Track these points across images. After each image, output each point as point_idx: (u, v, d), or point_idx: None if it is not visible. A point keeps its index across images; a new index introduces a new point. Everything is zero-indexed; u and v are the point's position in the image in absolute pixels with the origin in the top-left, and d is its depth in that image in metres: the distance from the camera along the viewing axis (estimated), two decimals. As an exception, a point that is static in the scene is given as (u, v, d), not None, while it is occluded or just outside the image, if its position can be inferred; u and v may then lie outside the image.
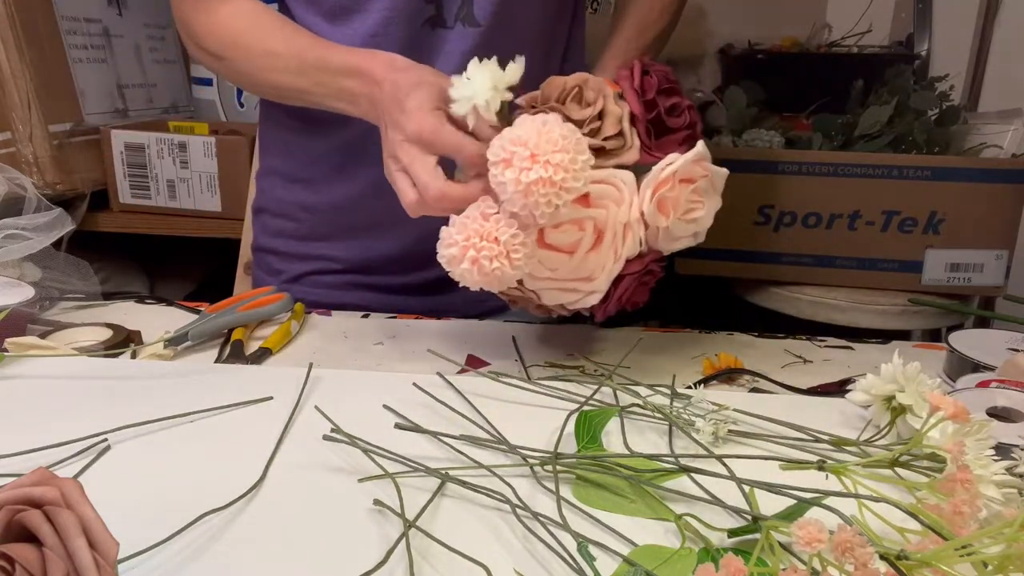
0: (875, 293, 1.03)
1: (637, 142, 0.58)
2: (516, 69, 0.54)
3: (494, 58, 0.54)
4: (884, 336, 0.79)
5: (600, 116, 0.57)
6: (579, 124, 0.55)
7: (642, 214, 0.56)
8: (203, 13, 0.73)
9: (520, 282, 0.58)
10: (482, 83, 0.53)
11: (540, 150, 0.50)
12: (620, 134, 0.57)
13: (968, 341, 0.66)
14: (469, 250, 0.53)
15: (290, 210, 0.84)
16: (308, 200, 0.82)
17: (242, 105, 1.38)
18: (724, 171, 0.60)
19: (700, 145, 0.58)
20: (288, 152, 0.83)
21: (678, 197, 0.57)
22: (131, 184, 1.29)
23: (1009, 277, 1.01)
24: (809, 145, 1.06)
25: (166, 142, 1.26)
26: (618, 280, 0.59)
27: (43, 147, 1.18)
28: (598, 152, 0.56)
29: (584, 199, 0.55)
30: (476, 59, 0.54)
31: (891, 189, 1.00)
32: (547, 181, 0.50)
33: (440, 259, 0.55)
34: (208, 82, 1.40)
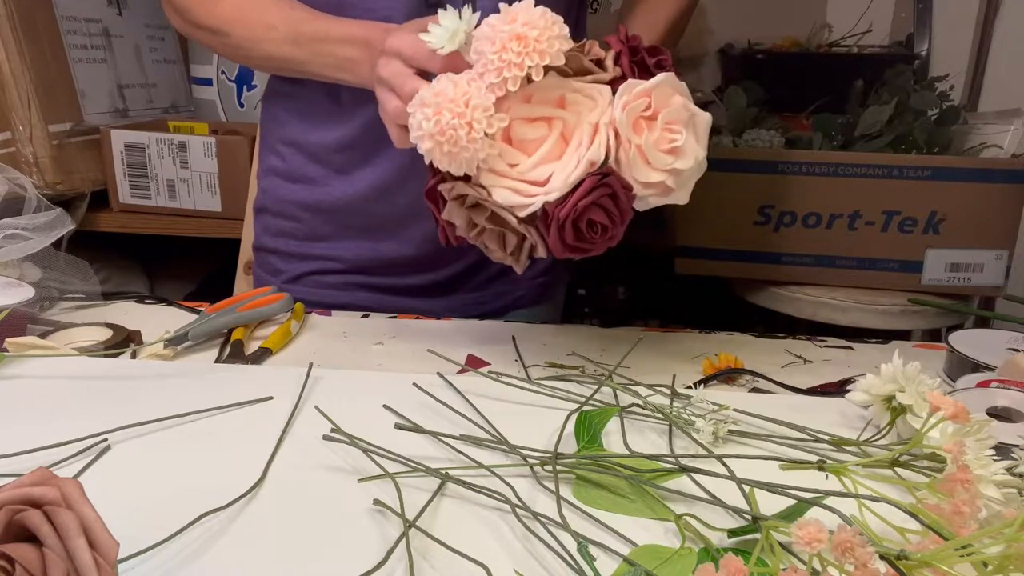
0: (875, 293, 1.03)
1: (618, 71, 0.57)
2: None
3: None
4: (884, 336, 0.79)
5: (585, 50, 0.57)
6: (572, 50, 0.56)
7: (613, 121, 0.54)
8: (213, 4, 0.75)
9: (480, 185, 0.57)
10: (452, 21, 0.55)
11: (520, 21, 0.53)
12: (602, 62, 0.57)
13: (968, 341, 0.66)
14: (441, 110, 0.54)
15: (291, 210, 0.84)
16: (309, 200, 0.82)
17: (242, 105, 1.38)
18: (707, 115, 0.58)
19: (672, 76, 0.56)
20: (289, 152, 0.83)
21: (654, 121, 0.55)
22: (131, 184, 1.29)
23: (1009, 277, 1.01)
24: (809, 145, 1.06)
25: (166, 142, 1.26)
26: (575, 188, 0.55)
27: (43, 147, 1.18)
28: (580, 72, 0.56)
29: (560, 101, 0.55)
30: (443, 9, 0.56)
31: (891, 189, 1.00)
32: (522, 37, 0.52)
33: (408, 109, 0.56)
34: (208, 82, 1.40)
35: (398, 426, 0.53)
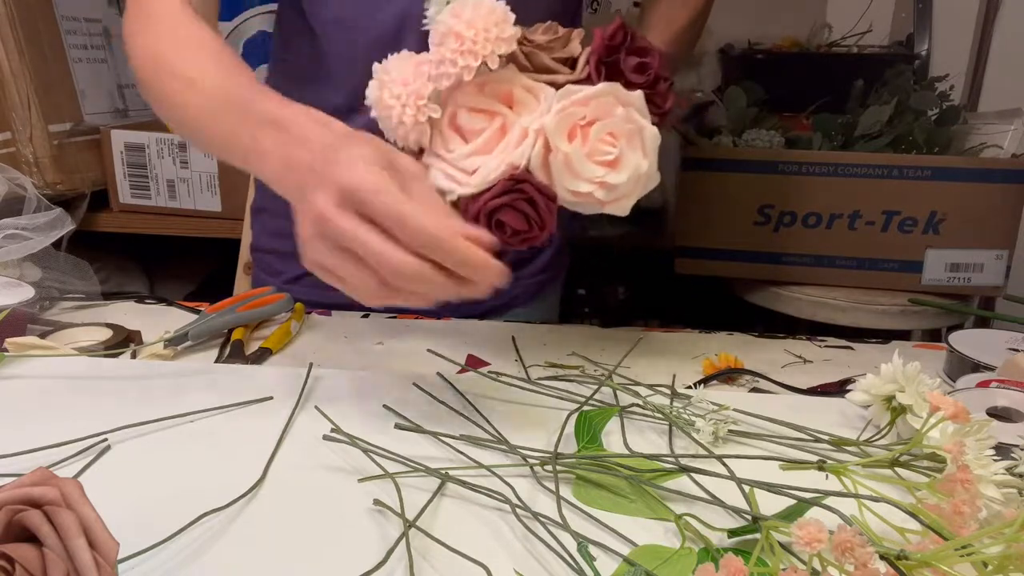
0: (875, 293, 1.03)
1: (584, 73, 0.56)
2: None
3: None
4: (884, 336, 0.79)
5: (561, 44, 0.57)
6: (538, 45, 0.56)
7: (543, 128, 0.53)
8: (139, 34, 0.64)
9: (421, 151, 0.57)
10: None
11: (464, 19, 0.53)
12: (569, 61, 0.56)
13: (968, 341, 0.66)
14: (384, 87, 0.55)
15: (291, 210, 0.84)
16: None
17: (242, 105, 1.38)
18: (655, 131, 0.56)
19: (615, 86, 0.55)
20: None
21: (590, 131, 0.54)
22: (131, 184, 1.29)
23: (1009, 277, 1.01)
24: (809, 145, 1.06)
25: (166, 142, 1.26)
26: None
27: (43, 147, 1.18)
28: (540, 70, 0.56)
29: (508, 95, 0.55)
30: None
31: (891, 189, 1.00)
32: (459, 36, 0.52)
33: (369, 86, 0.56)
34: (208, 82, 1.40)
35: (398, 426, 0.53)
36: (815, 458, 0.51)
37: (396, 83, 0.55)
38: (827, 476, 0.41)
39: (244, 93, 0.56)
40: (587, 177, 0.54)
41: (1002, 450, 0.49)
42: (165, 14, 0.64)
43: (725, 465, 0.48)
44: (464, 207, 0.55)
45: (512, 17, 0.54)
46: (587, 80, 0.55)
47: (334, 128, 0.52)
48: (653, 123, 0.56)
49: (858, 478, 0.40)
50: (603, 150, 0.54)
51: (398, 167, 0.50)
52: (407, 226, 0.45)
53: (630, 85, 0.55)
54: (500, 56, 0.53)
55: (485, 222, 0.54)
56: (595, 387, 0.59)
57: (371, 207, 0.46)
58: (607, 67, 0.56)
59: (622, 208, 0.56)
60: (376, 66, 0.56)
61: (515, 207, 0.54)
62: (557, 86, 0.55)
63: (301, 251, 0.50)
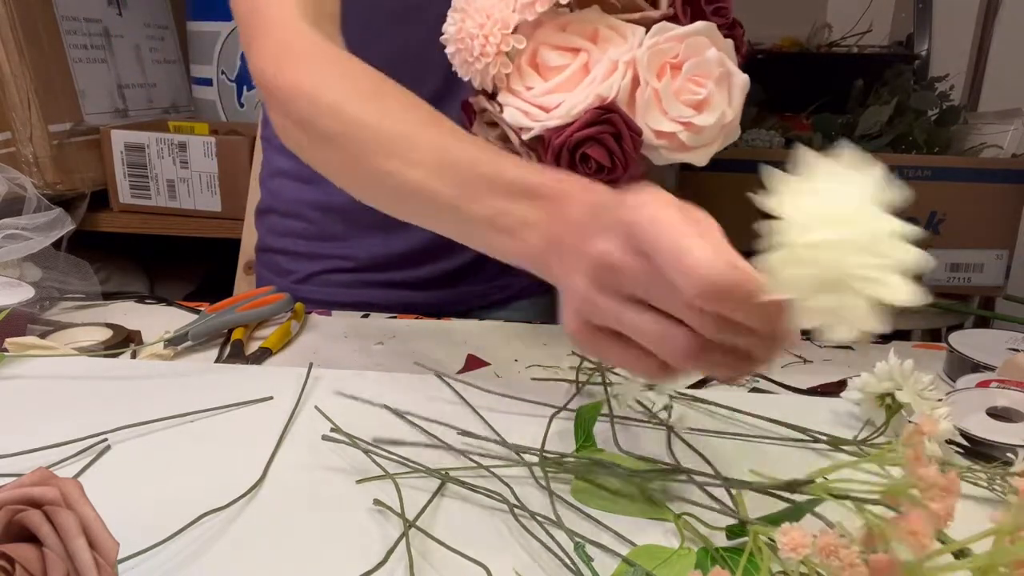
0: (875, 293, 1.03)
1: (669, 11, 0.54)
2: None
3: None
4: (884, 336, 0.79)
5: None
6: None
7: (634, 59, 0.51)
8: (285, 68, 0.53)
9: (494, 97, 0.56)
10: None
11: None
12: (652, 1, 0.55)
13: (968, 341, 0.66)
14: (466, 18, 0.54)
15: (301, 210, 0.84)
16: (320, 200, 0.82)
17: (242, 105, 1.38)
18: (745, 78, 0.54)
19: (711, 27, 0.53)
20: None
21: (679, 69, 0.52)
22: (131, 184, 1.29)
23: (1009, 277, 1.01)
24: (809, 145, 1.06)
25: (166, 142, 1.26)
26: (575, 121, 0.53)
27: (43, 147, 1.18)
28: (629, 8, 0.54)
29: (594, 34, 0.54)
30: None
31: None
32: None
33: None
34: (208, 82, 1.40)
35: (401, 417, 0.53)
36: (815, 458, 0.51)
37: (480, 12, 0.53)
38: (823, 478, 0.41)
39: (478, 154, 0.47)
40: (674, 116, 0.52)
41: (1001, 450, 0.49)
42: (335, 69, 0.53)
43: (713, 467, 0.48)
44: (547, 143, 0.52)
45: None
46: (674, 19, 0.53)
47: (596, 189, 0.42)
48: None
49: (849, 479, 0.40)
50: (692, 90, 0.52)
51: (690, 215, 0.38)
52: (687, 268, 0.35)
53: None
54: None
55: (567, 158, 0.52)
56: (592, 387, 0.59)
57: (648, 246, 0.36)
58: (691, 6, 0.54)
59: (702, 157, 0.54)
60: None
61: (601, 141, 0.52)
62: (645, 26, 0.53)
63: (570, 338, 0.42)
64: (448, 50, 0.55)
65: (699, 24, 0.52)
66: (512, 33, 0.53)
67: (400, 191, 0.49)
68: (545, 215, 0.43)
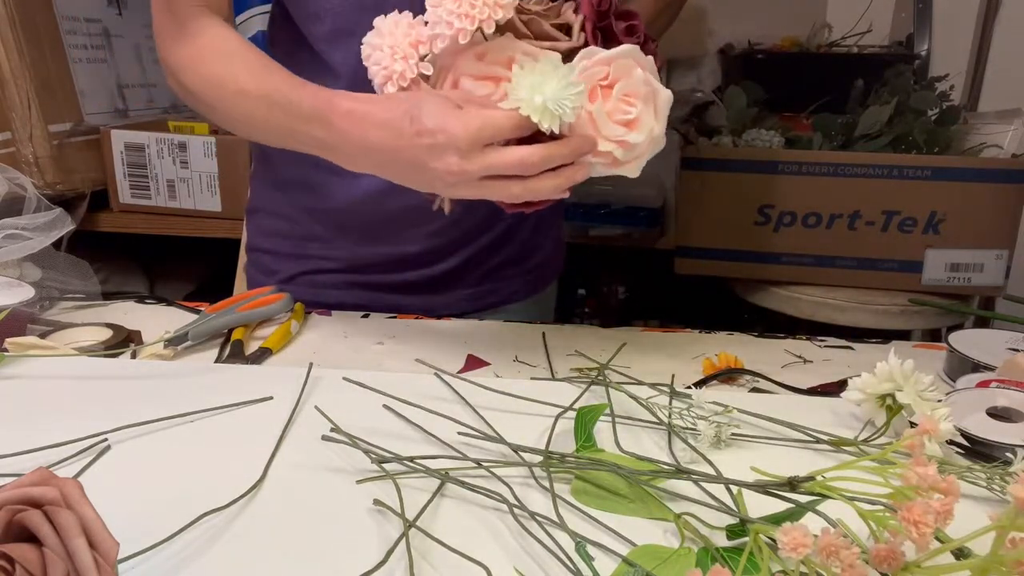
0: (875, 293, 1.03)
1: (580, 39, 0.57)
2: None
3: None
4: (884, 336, 0.79)
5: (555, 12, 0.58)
6: (536, 13, 0.57)
7: None
8: (182, 46, 0.69)
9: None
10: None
11: None
12: (566, 27, 0.57)
13: (968, 341, 0.66)
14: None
15: (288, 212, 0.84)
16: (307, 203, 0.82)
17: (242, 105, 1.38)
18: (668, 94, 0.58)
19: (636, 49, 0.57)
20: (285, 156, 0.83)
21: (610, 90, 0.55)
22: (131, 184, 1.29)
23: (1009, 277, 1.01)
24: (809, 145, 1.06)
25: (166, 142, 1.26)
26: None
27: (43, 147, 1.18)
28: (540, 37, 0.57)
29: (509, 64, 0.55)
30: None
31: (891, 189, 1.00)
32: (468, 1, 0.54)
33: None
34: (208, 82, 1.40)
35: (400, 416, 0.53)
36: (815, 457, 0.51)
37: (392, 37, 0.57)
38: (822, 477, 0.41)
39: (286, 92, 0.62)
40: (607, 135, 0.55)
41: (1000, 450, 0.49)
42: (211, 45, 0.68)
43: (715, 468, 0.48)
44: None
45: None
46: (585, 46, 0.56)
47: (386, 102, 0.57)
48: None
49: (850, 478, 0.40)
50: (624, 110, 0.55)
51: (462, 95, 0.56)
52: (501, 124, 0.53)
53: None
54: (496, 21, 0.54)
55: None
56: (595, 388, 0.59)
57: (490, 137, 0.53)
58: (602, 32, 0.57)
59: (634, 169, 0.58)
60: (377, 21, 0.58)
61: None
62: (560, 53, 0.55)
63: (445, 195, 0.58)
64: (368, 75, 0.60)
65: (624, 47, 0.55)
66: (420, 61, 0.57)
67: (252, 131, 0.69)
68: (340, 133, 0.59)
